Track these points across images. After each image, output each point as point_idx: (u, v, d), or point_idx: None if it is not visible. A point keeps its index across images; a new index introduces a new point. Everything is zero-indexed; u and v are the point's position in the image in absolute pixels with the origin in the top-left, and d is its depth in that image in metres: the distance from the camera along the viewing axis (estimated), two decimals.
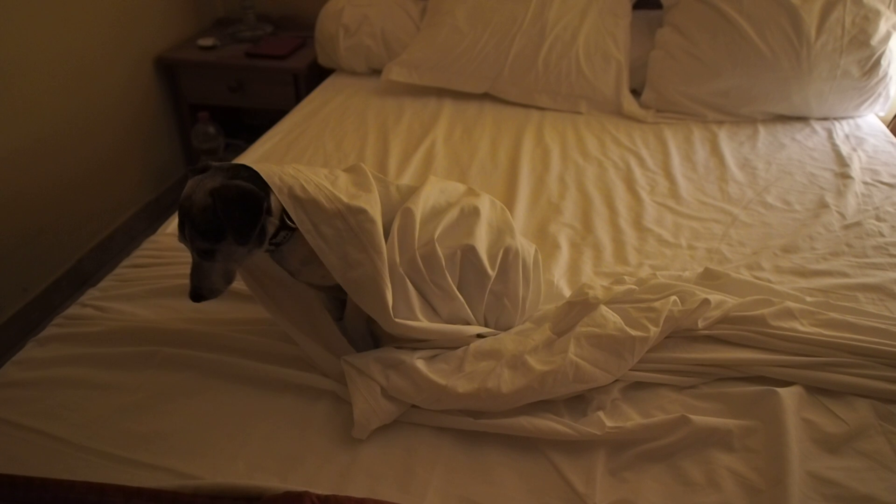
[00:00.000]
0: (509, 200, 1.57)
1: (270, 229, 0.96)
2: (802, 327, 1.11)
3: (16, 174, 1.91)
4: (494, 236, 1.13)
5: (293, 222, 0.96)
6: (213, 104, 2.51)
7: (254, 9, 2.57)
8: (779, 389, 1.00)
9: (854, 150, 1.83)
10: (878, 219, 1.51)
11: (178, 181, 2.66)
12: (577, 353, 1.02)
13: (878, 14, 1.92)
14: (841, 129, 1.95)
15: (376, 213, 1.01)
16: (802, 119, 2.01)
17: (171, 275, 1.28)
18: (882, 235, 1.45)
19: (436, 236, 1.06)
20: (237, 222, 0.91)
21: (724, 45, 1.96)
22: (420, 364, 1.02)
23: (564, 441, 0.96)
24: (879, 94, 1.98)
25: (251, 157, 1.77)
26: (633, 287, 1.18)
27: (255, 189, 0.92)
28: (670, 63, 2.04)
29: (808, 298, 1.20)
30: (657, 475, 0.92)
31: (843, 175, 1.70)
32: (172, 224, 1.47)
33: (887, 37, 1.92)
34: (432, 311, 1.06)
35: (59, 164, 2.06)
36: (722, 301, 1.15)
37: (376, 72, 2.26)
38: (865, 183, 1.66)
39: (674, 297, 1.13)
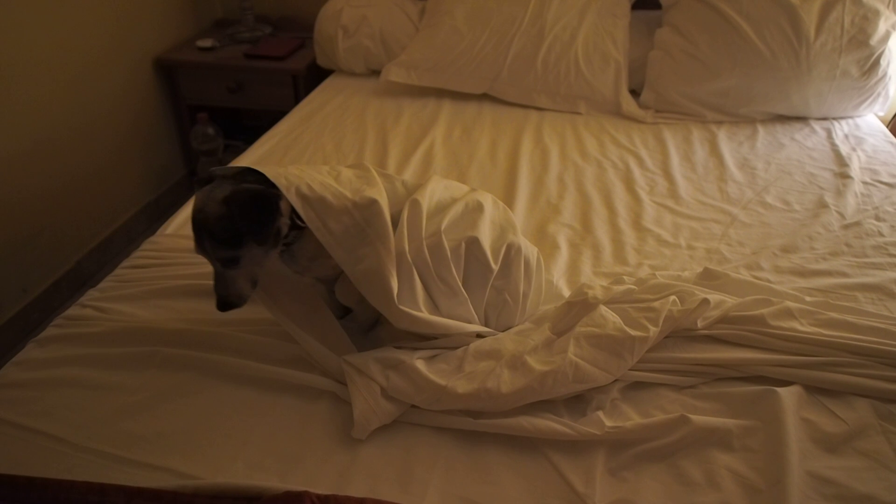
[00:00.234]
0: (508, 201, 1.57)
1: (283, 229, 0.97)
2: (802, 327, 1.11)
3: (15, 175, 1.91)
4: (497, 232, 1.14)
5: (301, 221, 0.97)
6: (212, 105, 2.51)
7: (253, 10, 2.57)
8: (778, 389, 1.01)
9: (853, 149, 1.83)
10: (878, 218, 1.51)
11: (177, 182, 2.66)
12: (576, 354, 1.02)
13: (877, 14, 1.92)
14: (840, 129, 1.95)
15: (384, 203, 1.02)
16: (802, 119, 2.01)
17: (171, 275, 1.28)
18: (881, 235, 1.45)
19: (442, 228, 1.06)
20: (255, 225, 0.91)
21: (724, 46, 1.96)
22: (420, 364, 1.02)
23: (564, 441, 0.96)
24: (879, 94, 1.98)
25: (250, 158, 1.77)
26: (633, 287, 1.18)
27: (266, 190, 0.93)
28: (669, 63, 2.04)
29: (808, 298, 1.20)
30: (657, 475, 0.92)
31: (843, 175, 1.70)
32: (172, 225, 1.47)
33: (886, 36, 1.93)
34: (433, 305, 1.06)
35: (59, 165, 2.06)
36: (721, 301, 1.15)
37: (375, 72, 2.26)
38: (865, 183, 1.66)
39: (673, 297, 1.13)
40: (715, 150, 1.84)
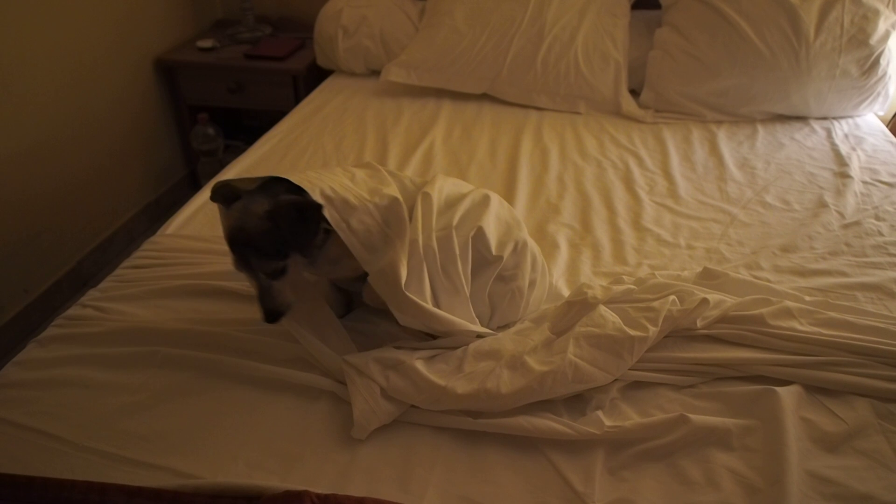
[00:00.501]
0: (508, 200, 1.56)
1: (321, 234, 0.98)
2: (801, 326, 1.11)
3: (16, 176, 1.91)
4: (504, 228, 1.15)
5: (328, 224, 0.97)
6: (213, 105, 2.51)
7: (253, 10, 2.57)
8: (778, 389, 1.01)
9: (853, 149, 1.83)
10: (878, 218, 1.51)
11: (177, 182, 2.66)
12: (576, 354, 1.02)
13: (876, 13, 1.92)
14: (840, 129, 1.95)
15: (403, 201, 1.04)
16: (801, 118, 2.01)
17: (171, 275, 1.29)
18: (881, 234, 1.45)
19: (454, 223, 1.07)
20: (301, 235, 0.92)
21: (723, 45, 1.96)
22: (419, 364, 1.02)
23: (563, 440, 0.96)
24: (878, 94, 1.98)
25: (251, 158, 1.77)
26: (632, 287, 1.18)
27: (308, 200, 0.94)
28: (669, 63, 2.04)
29: (807, 298, 1.20)
30: (656, 474, 0.92)
31: (843, 174, 1.70)
32: (173, 225, 1.47)
33: (886, 36, 1.93)
34: (435, 302, 1.07)
35: (60, 165, 2.06)
36: (721, 300, 1.15)
37: (375, 73, 2.26)
38: (864, 182, 1.66)
39: (672, 297, 1.13)
40: (715, 150, 1.84)
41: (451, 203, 1.13)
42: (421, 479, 0.92)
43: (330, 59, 2.32)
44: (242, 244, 0.92)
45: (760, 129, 1.96)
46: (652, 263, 1.37)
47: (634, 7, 2.19)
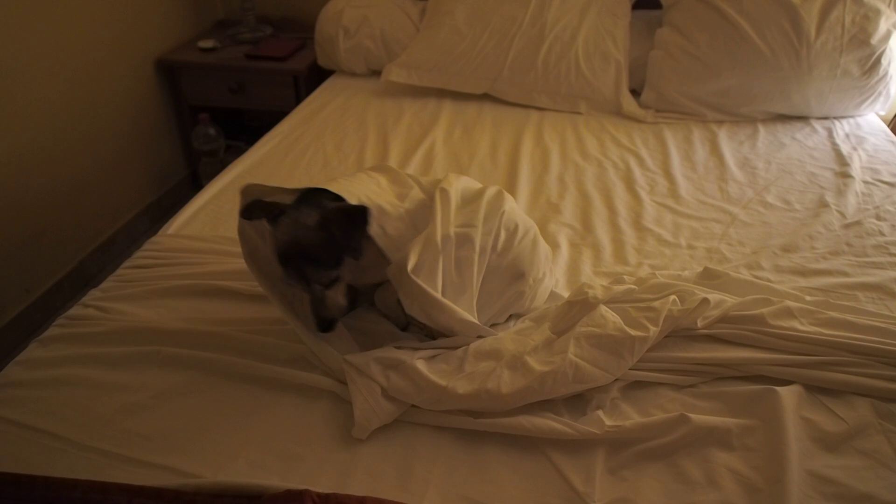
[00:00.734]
0: None
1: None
2: (802, 326, 1.11)
3: (18, 176, 1.92)
4: (521, 220, 1.17)
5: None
6: (214, 106, 2.51)
7: (254, 10, 2.58)
8: (778, 388, 1.01)
9: (854, 149, 1.83)
10: (879, 218, 1.51)
11: (179, 182, 2.66)
12: (576, 354, 1.02)
13: (878, 13, 1.92)
14: (841, 129, 1.95)
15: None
16: (802, 118, 2.01)
17: (173, 275, 1.29)
18: (882, 234, 1.45)
19: (479, 221, 1.08)
20: (354, 240, 0.92)
21: (724, 45, 1.96)
22: (420, 364, 1.02)
23: (564, 440, 0.96)
24: (880, 93, 1.98)
25: (252, 159, 1.77)
26: (633, 287, 1.18)
27: (357, 205, 0.94)
28: (670, 63, 2.04)
29: (808, 298, 1.20)
30: (656, 474, 0.92)
31: (844, 174, 1.70)
32: (174, 225, 1.48)
33: (887, 35, 1.93)
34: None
35: (61, 166, 2.06)
36: (721, 300, 1.15)
37: (376, 73, 2.26)
38: (866, 182, 1.66)
39: (673, 297, 1.13)
40: (715, 150, 1.84)
41: (468, 199, 1.15)
42: (421, 479, 0.92)
43: (331, 59, 2.32)
44: (298, 257, 0.92)
45: (761, 128, 1.96)
46: (652, 263, 1.37)
47: (635, 7, 2.19)
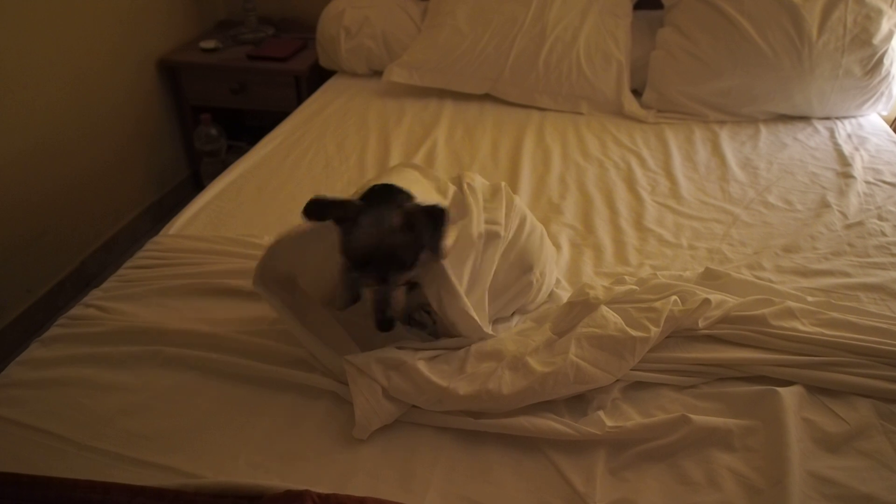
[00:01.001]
0: None
1: None
2: (803, 327, 1.10)
3: (20, 177, 1.92)
4: (528, 214, 1.19)
5: None
6: (215, 106, 2.51)
7: (255, 11, 2.58)
8: (779, 389, 1.00)
9: (856, 149, 1.82)
10: (881, 218, 1.51)
11: (181, 183, 2.67)
12: (577, 354, 1.02)
13: (880, 13, 1.91)
14: (843, 129, 1.95)
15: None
16: (804, 118, 2.01)
17: (174, 275, 1.29)
18: (884, 235, 1.45)
19: (502, 218, 1.09)
20: (437, 240, 0.92)
21: (726, 45, 1.96)
22: (421, 365, 1.02)
23: (565, 441, 0.96)
24: (882, 94, 1.98)
25: (253, 159, 1.77)
26: (634, 287, 1.18)
27: (433, 204, 0.94)
28: (671, 63, 2.04)
29: (810, 298, 1.20)
30: (657, 475, 0.92)
31: (845, 174, 1.69)
32: (175, 225, 1.48)
33: (889, 35, 1.92)
34: None
35: (63, 166, 2.07)
36: (723, 301, 1.15)
37: (377, 73, 2.26)
38: (867, 182, 1.66)
39: (674, 297, 1.13)
40: (717, 150, 1.84)
41: (488, 195, 1.16)
42: (422, 480, 0.92)
43: (332, 59, 2.33)
44: (384, 259, 0.91)
45: (763, 129, 1.95)
46: (654, 264, 1.37)
47: (636, 7, 2.19)
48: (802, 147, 1.85)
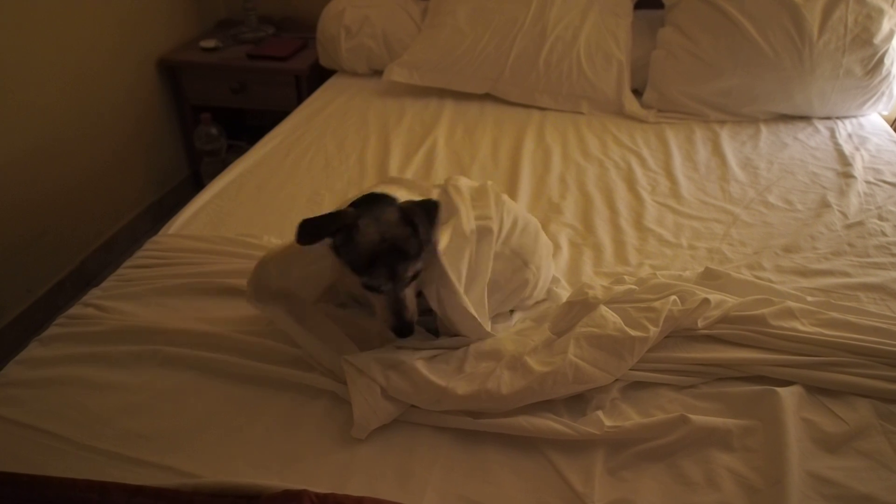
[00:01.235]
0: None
1: None
2: (803, 327, 1.10)
3: (20, 176, 1.92)
4: (520, 211, 1.20)
5: None
6: (216, 105, 2.52)
7: (256, 10, 2.58)
8: (778, 389, 1.00)
9: (857, 149, 1.82)
10: (881, 218, 1.51)
11: (181, 182, 2.67)
12: (576, 354, 1.02)
13: (880, 13, 1.91)
14: (843, 129, 1.94)
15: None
16: (805, 118, 2.00)
17: (173, 275, 1.29)
18: (884, 235, 1.44)
19: (492, 213, 1.10)
20: (432, 233, 0.96)
21: (726, 45, 1.95)
22: (420, 365, 1.02)
23: (563, 440, 0.96)
24: (882, 93, 1.97)
25: (253, 158, 1.77)
26: (633, 287, 1.18)
27: (426, 199, 0.98)
28: (672, 63, 2.03)
29: (810, 298, 1.20)
30: (656, 475, 0.92)
31: (846, 174, 1.69)
32: (175, 225, 1.48)
33: (890, 35, 1.92)
34: None
35: (63, 166, 2.07)
36: (722, 301, 1.15)
37: (377, 73, 2.26)
38: (868, 182, 1.66)
39: (674, 297, 1.13)
40: (717, 150, 1.84)
41: (476, 194, 1.16)
42: (420, 479, 0.92)
43: (332, 59, 2.32)
44: (390, 252, 0.94)
45: (763, 128, 1.95)
46: (653, 263, 1.37)
47: (637, 7, 2.19)
48: (803, 147, 1.85)
